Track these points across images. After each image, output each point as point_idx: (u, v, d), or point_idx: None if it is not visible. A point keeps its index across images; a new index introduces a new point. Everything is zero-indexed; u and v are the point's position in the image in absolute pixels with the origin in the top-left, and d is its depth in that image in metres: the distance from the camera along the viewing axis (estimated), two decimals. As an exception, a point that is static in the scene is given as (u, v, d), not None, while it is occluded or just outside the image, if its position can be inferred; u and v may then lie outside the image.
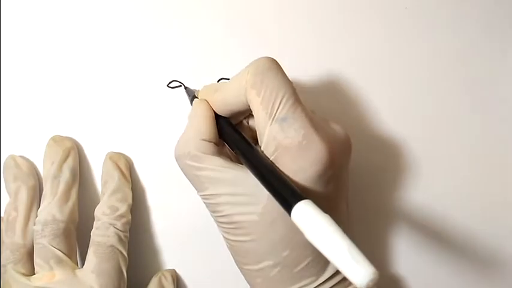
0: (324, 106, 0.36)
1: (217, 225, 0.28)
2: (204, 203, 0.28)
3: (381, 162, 0.36)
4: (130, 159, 0.35)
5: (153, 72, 0.35)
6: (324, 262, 0.27)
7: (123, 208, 0.32)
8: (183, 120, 0.34)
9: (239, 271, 0.35)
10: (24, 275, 0.30)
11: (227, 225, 0.27)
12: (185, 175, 0.28)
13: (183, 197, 0.35)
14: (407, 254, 0.36)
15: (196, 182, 0.27)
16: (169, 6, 0.35)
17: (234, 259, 0.29)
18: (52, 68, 0.34)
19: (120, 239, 0.31)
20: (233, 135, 0.28)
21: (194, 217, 0.35)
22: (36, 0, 0.34)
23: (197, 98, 0.30)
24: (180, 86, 0.35)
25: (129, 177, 0.34)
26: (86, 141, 0.35)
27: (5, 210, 0.32)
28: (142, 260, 0.35)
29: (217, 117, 0.29)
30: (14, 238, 0.31)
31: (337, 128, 0.28)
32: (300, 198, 0.22)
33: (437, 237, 0.36)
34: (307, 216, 0.21)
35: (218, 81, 0.35)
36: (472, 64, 0.37)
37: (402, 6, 0.36)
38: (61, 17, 0.34)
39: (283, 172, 0.25)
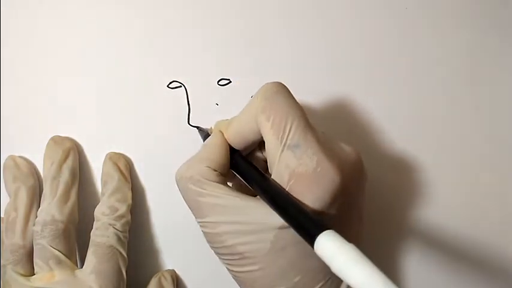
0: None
1: (219, 257, 0.27)
2: (202, 231, 0.27)
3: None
4: (130, 160, 0.35)
5: (153, 72, 0.35)
6: (336, 285, 0.26)
7: (122, 208, 0.32)
8: (183, 120, 0.35)
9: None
10: (23, 275, 0.30)
11: (230, 256, 0.26)
12: (185, 199, 0.27)
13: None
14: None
15: (196, 208, 0.27)
16: (169, 6, 0.35)
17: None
18: (52, 68, 0.34)
19: (119, 240, 0.31)
20: (247, 168, 0.28)
21: (194, 217, 0.35)
22: (36, 0, 0.34)
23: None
24: (180, 86, 0.35)
25: (129, 178, 0.34)
26: (86, 141, 0.35)
27: (5, 211, 0.32)
28: (142, 260, 0.35)
29: (231, 151, 0.28)
30: (13, 239, 0.31)
31: (348, 149, 0.27)
32: (322, 228, 0.21)
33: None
34: (332, 248, 0.20)
35: (218, 82, 0.35)
36: (474, 64, 0.37)
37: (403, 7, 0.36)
38: (61, 17, 0.34)
39: (300, 201, 0.24)
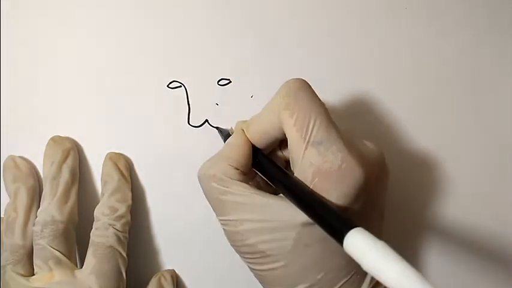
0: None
1: (240, 255, 0.27)
2: (224, 229, 0.27)
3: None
4: (130, 160, 0.35)
5: (153, 72, 0.35)
6: (359, 282, 0.26)
7: (122, 209, 0.32)
8: (183, 120, 0.34)
9: (239, 271, 0.34)
10: (23, 276, 0.30)
11: (251, 254, 0.26)
12: (207, 197, 0.27)
13: (183, 197, 0.35)
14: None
15: (218, 206, 0.27)
16: (169, 6, 0.35)
17: (262, 286, 0.28)
18: (52, 68, 0.34)
19: (119, 240, 0.31)
20: (271, 167, 0.28)
21: (194, 217, 0.35)
22: (36, 0, 0.34)
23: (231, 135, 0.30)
24: (180, 86, 0.35)
25: (128, 178, 0.34)
26: (86, 141, 0.34)
27: (5, 211, 0.32)
28: (142, 260, 0.35)
29: (253, 150, 0.28)
30: (13, 239, 0.31)
31: (370, 146, 0.27)
32: (350, 226, 0.21)
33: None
34: (363, 245, 0.20)
35: (218, 82, 0.35)
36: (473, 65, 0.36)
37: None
38: (61, 18, 0.34)
39: (326, 199, 0.24)
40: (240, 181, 0.26)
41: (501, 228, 0.36)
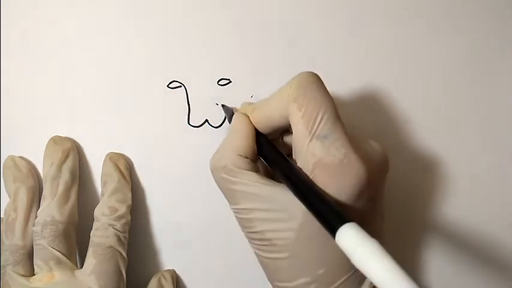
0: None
1: (249, 241, 0.28)
2: (236, 217, 0.28)
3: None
4: (130, 160, 0.35)
5: (153, 72, 0.35)
6: (360, 280, 0.26)
7: (122, 209, 0.32)
8: (183, 120, 0.34)
9: (239, 271, 0.34)
10: (23, 276, 0.30)
11: (259, 241, 0.26)
12: (219, 188, 0.28)
13: (183, 197, 0.35)
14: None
15: (230, 196, 0.27)
16: (169, 6, 0.35)
17: (266, 274, 0.28)
18: (52, 68, 0.34)
19: (119, 240, 0.31)
20: (273, 153, 0.28)
21: (194, 218, 0.35)
22: (36, 1, 0.34)
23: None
24: (180, 86, 0.35)
25: (128, 178, 0.34)
26: (86, 142, 0.34)
27: (5, 211, 0.32)
28: (142, 260, 0.35)
29: (256, 134, 0.28)
30: (13, 239, 0.31)
31: (375, 146, 0.28)
32: (344, 220, 0.21)
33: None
34: (353, 240, 0.20)
35: (218, 82, 0.35)
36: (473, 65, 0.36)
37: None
38: (61, 17, 0.34)
39: (324, 191, 0.25)
40: (249, 170, 0.27)
41: (502, 228, 0.36)
